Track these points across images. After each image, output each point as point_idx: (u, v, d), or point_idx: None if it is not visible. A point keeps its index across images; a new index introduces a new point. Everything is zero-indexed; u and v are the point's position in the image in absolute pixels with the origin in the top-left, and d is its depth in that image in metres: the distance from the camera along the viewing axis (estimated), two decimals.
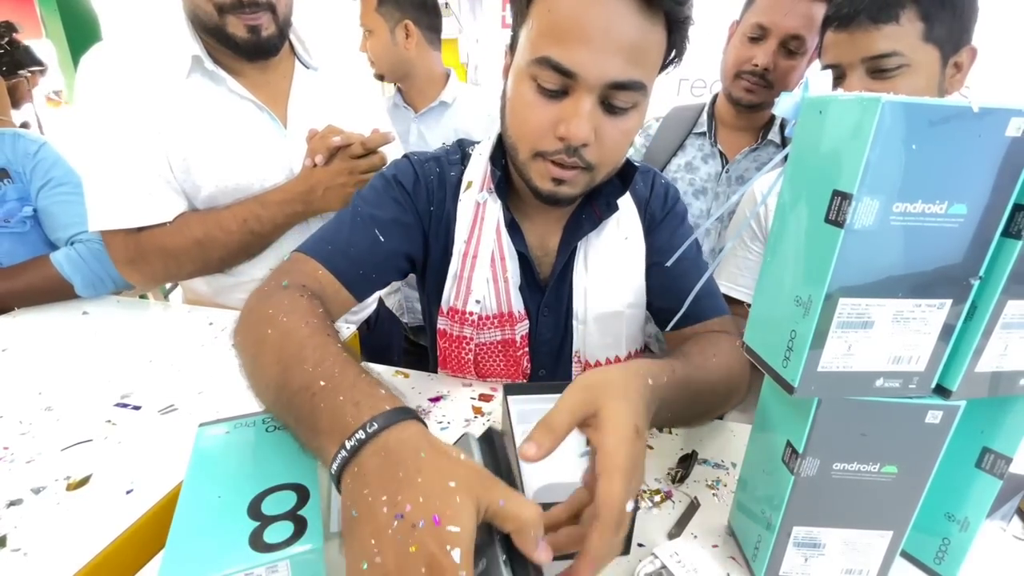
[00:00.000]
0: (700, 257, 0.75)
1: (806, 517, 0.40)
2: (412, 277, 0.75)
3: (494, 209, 0.66)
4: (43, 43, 2.61)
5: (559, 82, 0.52)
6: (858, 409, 0.37)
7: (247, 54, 0.83)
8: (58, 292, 0.93)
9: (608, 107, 0.54)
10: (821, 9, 0.93)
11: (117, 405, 0.63)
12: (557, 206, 0.63)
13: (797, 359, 0.35)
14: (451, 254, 0.68)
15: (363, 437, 0.33)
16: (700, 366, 0.54)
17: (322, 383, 0.38)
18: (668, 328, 0.70)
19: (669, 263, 0.60)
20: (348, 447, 0.33)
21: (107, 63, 0.79)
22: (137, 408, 0.63)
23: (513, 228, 0.67)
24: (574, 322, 0.70)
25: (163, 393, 0.65)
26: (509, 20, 0.60)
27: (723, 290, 0.92)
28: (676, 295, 0.69)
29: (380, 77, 1.37)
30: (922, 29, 0.70)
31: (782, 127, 1.05)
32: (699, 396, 0.52)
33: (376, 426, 0.33)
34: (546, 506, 0.43)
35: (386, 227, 0.65)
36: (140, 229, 0.81)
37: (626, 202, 0.69)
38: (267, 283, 0.55)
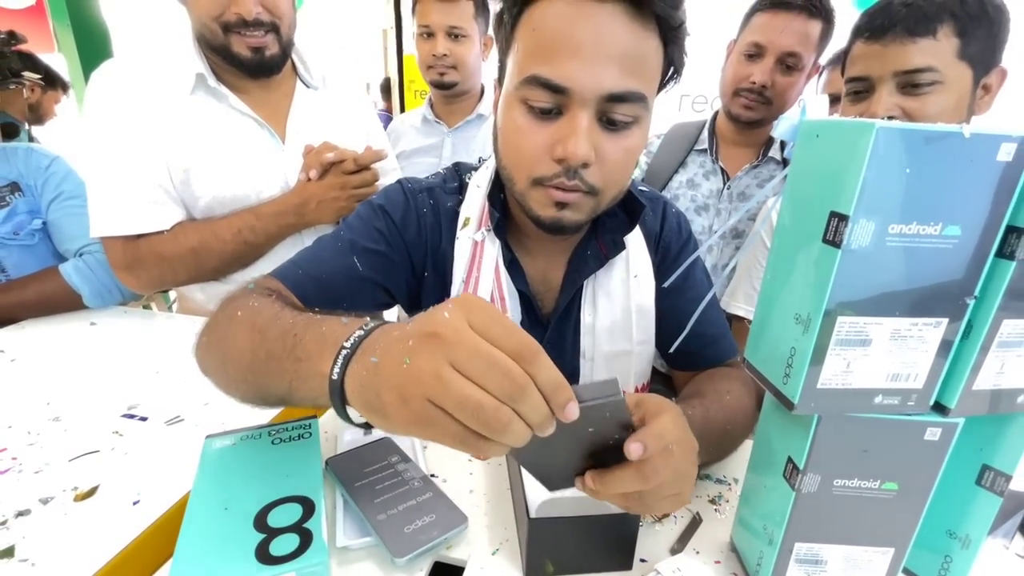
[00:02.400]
0: (714, 297, 0.72)
1: (808, 533, 0.41)
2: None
3: (492, 249, 0.63)
4: (55, 57, 2.66)
5: (551, 100, 0.49)
6: (858, 426, 0.37)
7: (250, 72, 0.86)
8: (66, 303, 0.94)
9: (607, 123, 0.50)
10: (816, 27, 0.95)
11: (124, 416, 0.64)
12: (561, 234, 0.58)
13: (797, 376, 0.36)
14: (449, 291, 0.65)
15: (361, 335, 0.35)
16: (718, 405, 0.55)
17: (303, 326, 0.40)
18: (679, 368, 0.70)
19: (688, 298, 0.60)
20: (349, 344, 0.35)
21: (115, 79, 0.83)
22: (144, 419, 0.63)
23: (513, 266, 0.64)
24: (581, 360, 0.67)
25: (170, 404, 0.66)
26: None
27: (741, 312, 0.93)
28: (690, 337, 0.64)
29: (449, 85, 1.30)
30: (958, 46, 0.68)
31: (782, 144, 1.06)
32: (717, 435, 0.53)
33: (371, 325, 0.36)
34: (550, 521, 0.43)
35: (364, 256, 0.62)
36: (139, 236, 0.84)
37: (635, 238, 0.66)
38: (231, 293, 0.53)
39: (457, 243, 0.64)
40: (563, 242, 0.65)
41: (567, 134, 0.49)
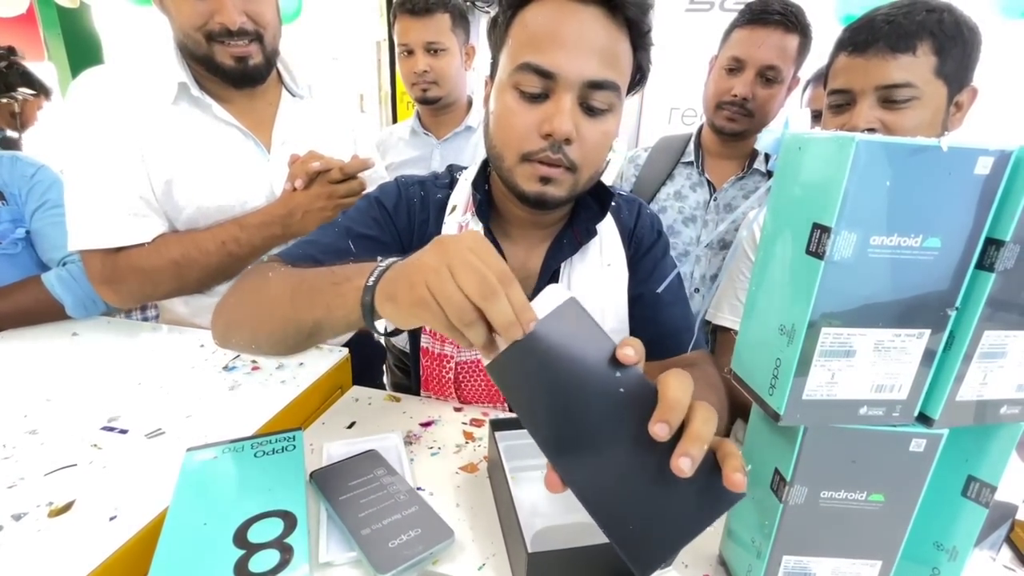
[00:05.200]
0: (683, 290, 0.77)
1: (796, 546, 0.40)
2: None
3: (475, 231, 0.68)
4: (45, 65, 2.65)
5: (540, 85, 0.56)
6: (844, 437, 0.37)
7: (234, 82, 0.85)
8: (48, 313, 0.92)
9: (587, 108, 0.57)
10: (793, 41, 0.98)
11: (104, 429, 0.62)
12: (543, 209, 0.64)
13: (783, 387, 0.36)
14: None
15: (394, 260, 0.45)
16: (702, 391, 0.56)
17: (340, 266, 0.51)
18: (648, 358, 0.72)
19: (660, 289, 0.62)
20: (383, 264, 0.45)
21: (95, 88, 0.82)
22: (124, 432, 0.62)
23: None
24: None
25: (151, 416, 0.65)
26: None
27: (726, 323, 0.93)
28: (659, 325, 0.72)
29: (433, 100, 1.32)
30: (935, 63, 0.71)
31: (767, 156, 1.08)
32: None
33: (399, 259, 0.45)
34: (549, 555, 0.41)
35: (359, 240, 0.68)
36: (118, 249, 0.82)
37: (609, 229, 0.72)
38: (250, 270, 0.62)
39: (444, 227, 0.70)
40: (542, 231, 0.71)
41: (553, 113, 0.56)
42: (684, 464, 0.33)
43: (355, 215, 0.71)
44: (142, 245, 0.83)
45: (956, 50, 0.71)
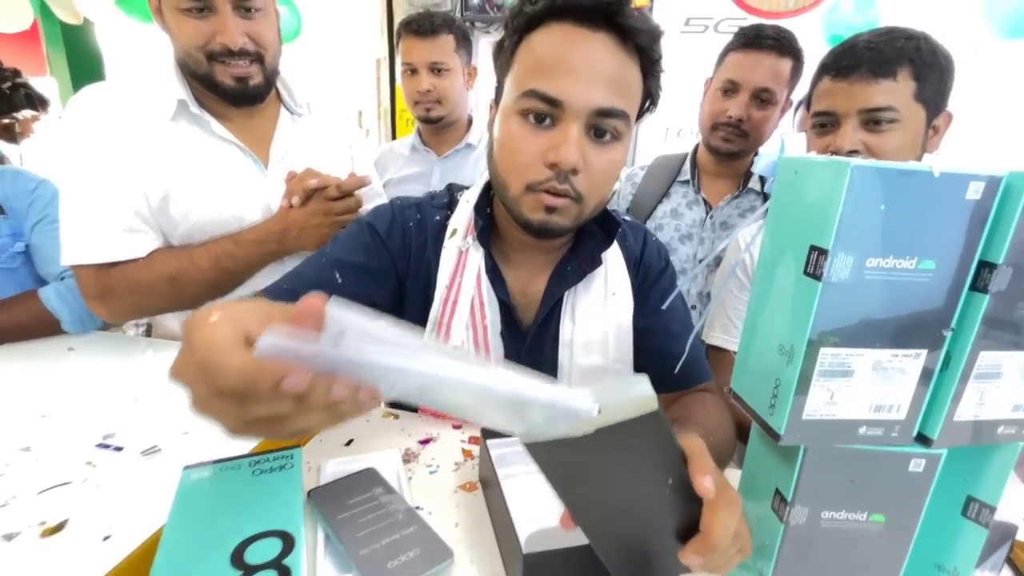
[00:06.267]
0: (690, 319, 0.75)
1: (797, 568, 0.40)
2: None
3: (476, 256, 0.66)
4: (47, 80, 2.67)
5: (547, 112, 0.55)
6: (844, 457, 0.37)
7: (233, 100, 0.87)
8: (45, 328, 0.92)
9: (595, 134, 0.56)
10: (786, 64, 1.00)
11: (99, 446, 0.62)
12: (547, 238, 0.63)
13: (783, 406, 0.36)
14: (432, 299, 0.68)
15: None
16: (709, 436, 0.56)
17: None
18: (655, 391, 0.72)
19: (670, 321, 0.62)
20: None
21: (93, 104, 0.82)
22: (119, 449, 0.61)
23: (494, 275, 0.67)
24: (559, 374, 0.69)
25: (147, 433, 0.64)
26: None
27: (718, 342, 0.94)
28: (669, 358, 0.68)
29: (436, 120, 1.34)
30: (914, 88, 0.74)
31: (761, 175, 1.09)
32: (713, 457, 0.54)
33: None
34: (544, 555, 0.42)
35: (347, 270, 0.65)
36: (112, 264, 0.81)
37: (614, 257, 0.70)
38: None
39: (443, 252, 0.68)
40: (545, 256, 0.69)
41: (559, 142, 0.54)
42: (694, 562, 0.35)
43: (345, 242, 0.68)
44: (136, 260, 0.83)
45: (933, 76, 0.74)
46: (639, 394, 0.30)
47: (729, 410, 0.66)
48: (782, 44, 0.99)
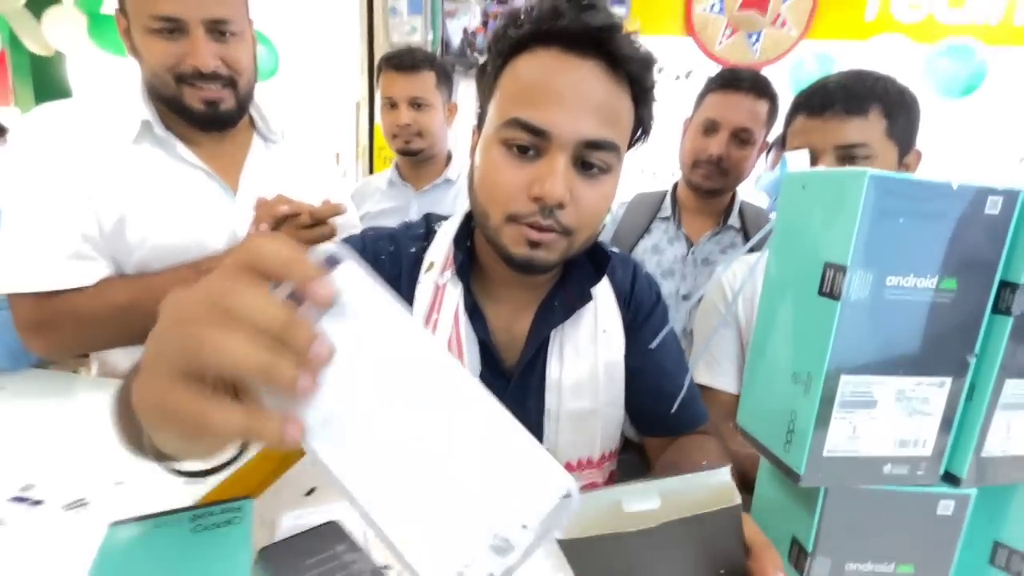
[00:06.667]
0: (683, 357, 0.72)
1: None
2: None
3: (454, 293, 0.61)
4: (10, 110, 2.59)
5: (531, 142, 0.51)
6: (868, 500, 0.34)
7: (202, 125, 0.82)
8: None
9: (583, 167, 0.52)
10: (764, 106, 1.03)
11: (13, 500, 0.53)
12: (532, 274, 0.58)
13: (801, 443, 0.32)
14: None
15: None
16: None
17: None
18: (649, 434, 0.67)
19: (664, 361, 0.60)
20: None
21: (44, 124, 0.77)
22: (38, 503, 0.53)
23: (475, 313, 0.62)
24: (545, 419, 0.64)
25: (73, 484, 0.56)
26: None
27: (704, 381, 0.91)
28: (661, 398, 0.65)
29: (415, 152, 1.33)
30: (886, 126, 0.76)
31: (741, 212, 1.10)
32: None
33: None
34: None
35: None
36: (54, 293, 0.74)
37: (604, 292, 0.66)
38: None
39: (418, 287, 0.62)
40: (530, 292, 0.64)
41: (545, 174, 0.50)
42: None
43: None
44: (82, 289, 0.75)
45: (902, 114, 0.77)
46: (717, 484, 0.28)
47: (730, 457, 0.62)
48: (759, 86, 1.02)
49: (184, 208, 0.81)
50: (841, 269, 0.30)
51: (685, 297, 1.09)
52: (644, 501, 0.28)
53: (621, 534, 0.25)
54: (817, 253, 0.32)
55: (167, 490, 0.56)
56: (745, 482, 0.43)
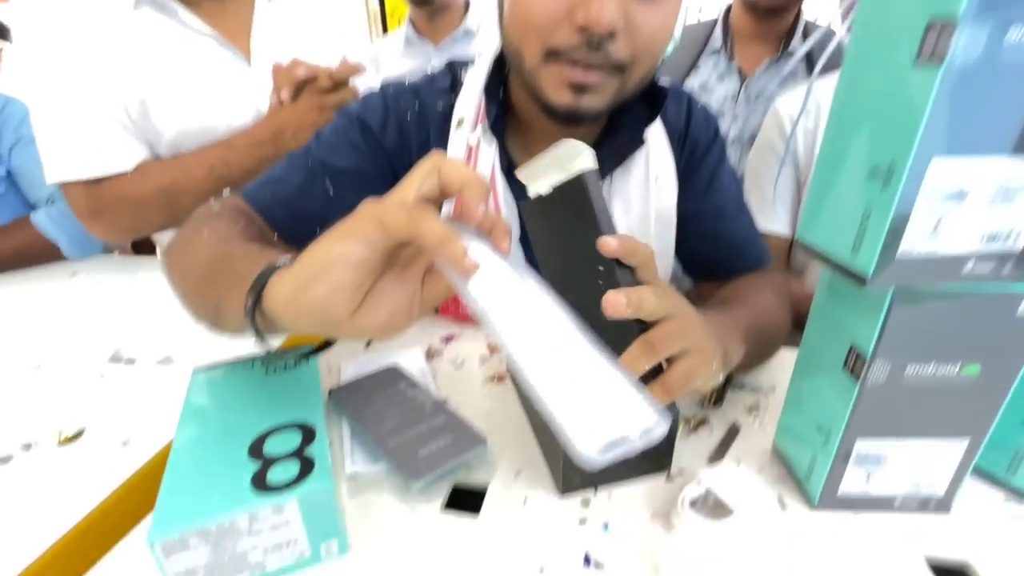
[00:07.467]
0: (742, 196, 0.64)
1: (872, 429, 0.36)
2: None
3: (488, 151, 0.55)
4: (7, 7, 2.48)
5: None
6: (938, 302, 0.31)
7: None
8: (45, 254, 0.88)
9: None
10: None
11: (111, 360, 0.59)
12: (577, 125, 0.50)
13: (872, 244, 0.30)
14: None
15: (286, 261, 0.33)
16: (756, 306, 0.51)
17: (254, 252, 0.39)
18: (706, 280, 0.64)
19: (722, 201, 0.57)
20: (280, 263, 0.33)
21: (47, 13, 0.73)
22: (131, 361, 0.59)
23: (512, 174, 0.56)
24: None
25: (159, 346, 0.61)
26: None
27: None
28: (724, 241, 0.61)
29: (426, 2, 1.23)
30: None
31: (805, 33, 0.96)
32: (758, 333, 0.48)
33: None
34: None
35: (339, 177, 0.55)
36: (100, 179, 0.75)
37: (656, 133, 0.59)
38: (195, 215, 0.50)
39: (449, 147, 0.56)
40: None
41: None
42: (616, 306, 0.33)
43: (332, 139, 0.56)
44: (125, 174, 0.76)
45: None
46: (575, 155, 0.35)
47: (788, 297, 0.59)
48: None
49: (203, 85, 0.78)
50: (947, 27, 0.24)
51: (735, 141, 1.00)
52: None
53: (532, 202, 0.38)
54: (919, 8, 0.26)
55: (242, 347, 0.61)
56: (801, 323, 0.42)
